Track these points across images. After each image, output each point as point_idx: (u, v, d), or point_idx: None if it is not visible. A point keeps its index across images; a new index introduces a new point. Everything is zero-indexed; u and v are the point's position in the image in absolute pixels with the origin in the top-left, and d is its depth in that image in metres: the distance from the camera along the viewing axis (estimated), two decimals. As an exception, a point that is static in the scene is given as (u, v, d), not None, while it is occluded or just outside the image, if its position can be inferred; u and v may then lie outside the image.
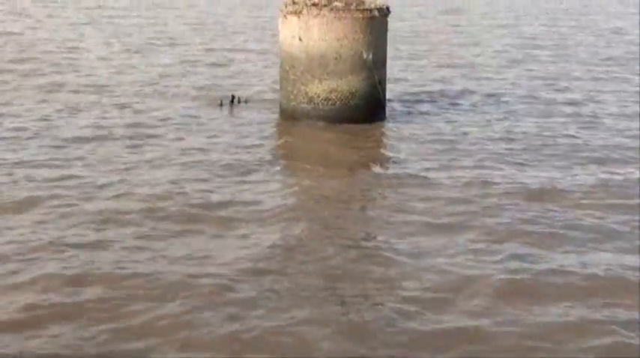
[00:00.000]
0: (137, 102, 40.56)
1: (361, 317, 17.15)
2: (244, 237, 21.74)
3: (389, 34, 39.20)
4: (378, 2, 38.86)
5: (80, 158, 29.20)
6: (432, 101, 43.41)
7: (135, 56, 55.92)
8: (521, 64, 58.47)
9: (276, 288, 18.55)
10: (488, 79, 50.81)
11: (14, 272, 17.95)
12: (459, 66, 56.18)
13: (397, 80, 48.88)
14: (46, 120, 35.42)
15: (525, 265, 20.10)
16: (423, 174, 28.88)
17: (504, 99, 43.83)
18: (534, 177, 28.48)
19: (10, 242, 20.24)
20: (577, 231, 22.52)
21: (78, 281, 17.73)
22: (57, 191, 25.04)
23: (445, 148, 33.14)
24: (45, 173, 27.16)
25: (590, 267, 19.88)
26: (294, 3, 38.16)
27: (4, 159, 27.99)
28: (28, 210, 22.88)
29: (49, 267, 19.23)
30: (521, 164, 30.65)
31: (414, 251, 20.74)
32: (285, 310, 17.40)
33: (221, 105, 41.29)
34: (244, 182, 27.52)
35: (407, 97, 44.45)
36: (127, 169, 28.17)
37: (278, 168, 29.97)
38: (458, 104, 42.61)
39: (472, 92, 46.06)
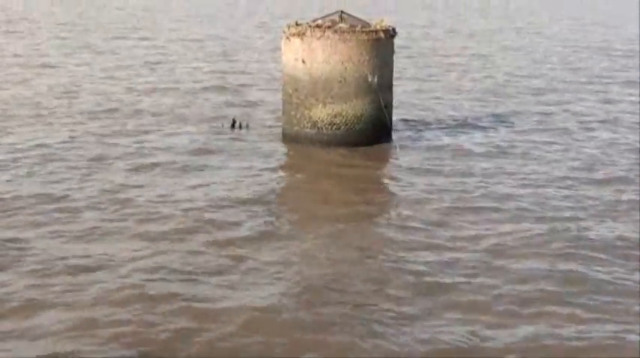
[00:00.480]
0: (132, 129, 39.99)
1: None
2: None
3: (395, 55, 39.03)
4: (383, 23, 38.72)
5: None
6: (440, 126, 42.81)
7: (131, 76, 55.92)
8: (534, 88, 58.97)
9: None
10: (499, 103, 50.45)
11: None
12: (469, 89, 56.11)
13: (404, 103, 48.65)
14: (44, 146, 35.51)
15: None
16: (427, 238, 25.72)
17: (521, 127, 43.22)
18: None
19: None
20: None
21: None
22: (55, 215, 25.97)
23: (449, 187, 31.40)
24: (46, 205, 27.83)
25: None
26: (297, 24, 38.04)
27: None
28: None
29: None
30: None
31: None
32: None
33: (222, 126, 40.77)
34: (236, 242, 24.61)
35: (414, 121, 43.83)
36: (122, 207, 27.77)
37: (274, 222, 26.94)
38: (464, 129, 42.07)
39: (480, 117, 45.64)
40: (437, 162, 35.32)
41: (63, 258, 22.72)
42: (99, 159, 34.37)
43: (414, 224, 26.66)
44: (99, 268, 22.17)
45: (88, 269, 22.02)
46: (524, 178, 32.84)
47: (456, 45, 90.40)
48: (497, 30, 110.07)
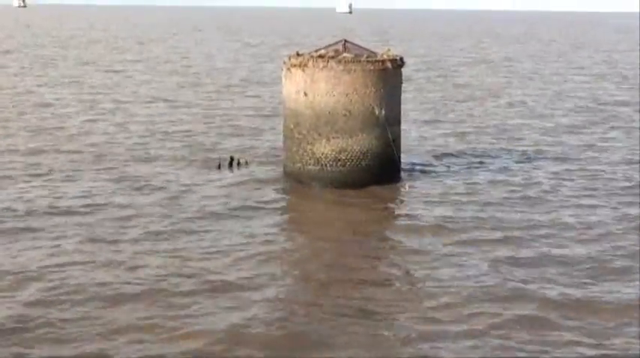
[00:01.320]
0: (126, 165, 39.80)
1: None
2: None
3: (403, 86, 37.74)
4: (390, 53, 37.84)
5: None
6: (452, 161, 42.12)
7: (126, 114, 55.66)
8: (545, 117, 58.51)
9: None
10: (514, 138, 49.78)
11: None
12: (481, 122, 55.74)
13: (413, 136, 48.05)
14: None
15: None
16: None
17: (539, 163, 42.50)
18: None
19: None
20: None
21: None
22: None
23: (463, 228, 30.25)
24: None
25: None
26: (298, 55, 37.14)
27: None
28: None
29: None
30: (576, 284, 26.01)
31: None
32: None
33: (219, 167, 39.97)
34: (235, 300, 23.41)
35: (425, 156, 43.06)
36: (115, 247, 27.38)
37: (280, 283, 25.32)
38: (480, 165, 41.34)
39: (496, 151, 45.03)
40: (453, 211, 33.26)
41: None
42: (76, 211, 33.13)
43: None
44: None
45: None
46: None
47: (464, 75, 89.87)
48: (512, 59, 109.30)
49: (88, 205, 32.77)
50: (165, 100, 65.33)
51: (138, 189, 35.79)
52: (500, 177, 39.39)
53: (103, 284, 23.98)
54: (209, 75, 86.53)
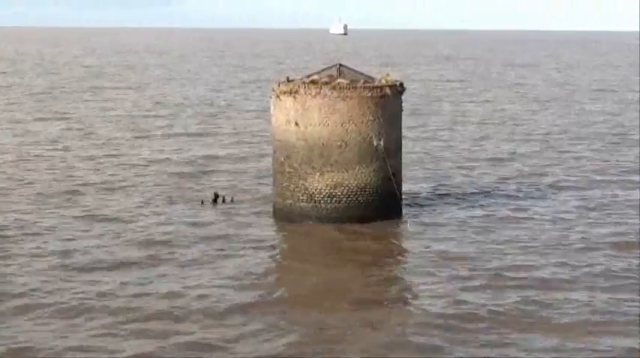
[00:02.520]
0: (104, 201, 39.61)
1: None
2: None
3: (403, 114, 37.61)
4: (389, 78, 37.36)
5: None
6: (458, 195, 41.76)
7: (105, 148, 55.30)
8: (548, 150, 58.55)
9: None
10: (522, 174, 49.18)
11: None
12: (486, 152, 55.83)
13: (416, 169, 47.76)
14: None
15: None
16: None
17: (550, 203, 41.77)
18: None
19: None
20: None
21: None
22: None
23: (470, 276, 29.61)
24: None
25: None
26: (288, 81, 36.80)
27: None
28: None
29: None
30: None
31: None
32: None
33: (202, 204, 39.51)
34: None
35: (428, 190, 42.71)
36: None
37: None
38: (489, 201, 41.03)
39: (503, 184, 44.85)
40: (459, 249, 32.91)
41: None
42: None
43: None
44: None
45: None
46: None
47: (467, 104, 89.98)
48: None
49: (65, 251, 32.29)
50: (140, 130, 65.54)
51: (117, 233, 35.06)
52: (505, 211, 39.32)
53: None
54: (190, 103, 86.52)
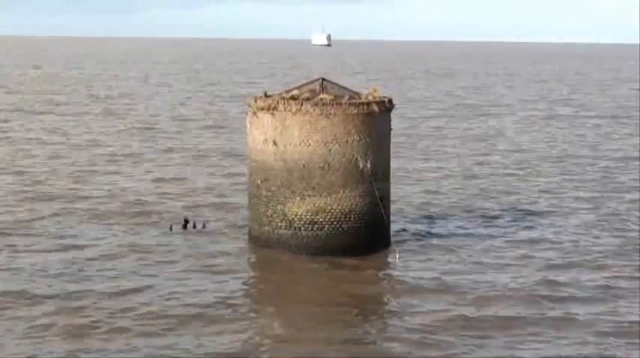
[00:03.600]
0: (71, 230, 39.32)
1: None
2: None
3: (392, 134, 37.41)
4: (377, 94, 37.07)
5: None
6: (451, 223, 41.78)
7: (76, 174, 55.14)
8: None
9: None
10: (510, 194, 49.90)
11: None
12: (480, 175, 56.31)
13: (405, 194, 47.82)
14: None
15: None
16: None
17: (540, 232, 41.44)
18: None
19: None
20: None
21: None
22: None
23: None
24: None
25: None
26: (266, 96, 36.56)
27: None
28: None
29: None
30: None
31: None
32: None
33: (171, 230, 39.35)
34: None
35: (417, 216, 42.79)
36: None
37: None
38: (479, 227, 41.04)
39: (499, 211, 44.76)
40: (450, 282, 32.68)
41: None
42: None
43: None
44: None
45: None
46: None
47: (459, 125, 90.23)
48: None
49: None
50: (112, 153, 65.49)
51: (79, 269, 34.22)
52: (502, 240, 39.18)
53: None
54: (159, 121, 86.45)
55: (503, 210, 45.51)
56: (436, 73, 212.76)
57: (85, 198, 46.93)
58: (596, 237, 40.20)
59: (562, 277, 33.44)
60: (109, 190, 49.13)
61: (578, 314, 29.46)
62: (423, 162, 61.99)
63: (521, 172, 58.25)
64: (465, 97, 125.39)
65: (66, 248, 36.62)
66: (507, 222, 42.95)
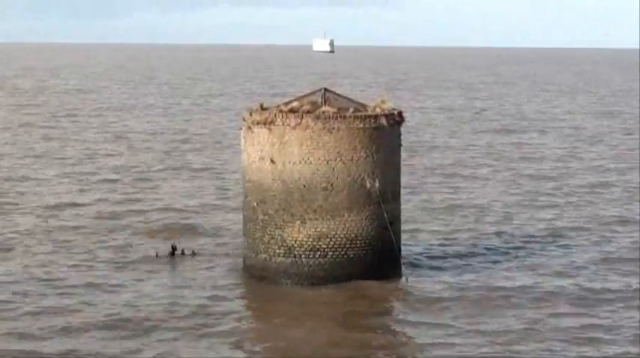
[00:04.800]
0: (48, 260, 39.23)
1: None
2: None
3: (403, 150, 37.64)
4: (385, 106, 36.83)
5: None
6: (466, 250, 41.82)
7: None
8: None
9: None
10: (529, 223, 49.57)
11: None
12: (495, 198, 56.40)
13: (417, 218, 48.04)
14: None
15: None
16: None
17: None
18: None
19: None
20: None
21: None
22: None
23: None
24: None
25: None
26: (262, 109, 36.50)
27: None
28: None
29: None
30: None
31: None
32: None
33: (157, 257, 39.41)
34: None
35: (433, 244, 42.76)
36: None
37: None
38: (502, 259, 40.94)
39: (514, 239, 44.87)
40: (463, 318, 32.33)
41: None
42: None
43: None
44: None
45: None
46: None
47: (470, 139, 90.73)
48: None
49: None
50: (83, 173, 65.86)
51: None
52: (535, 273, 38.75)
53: None
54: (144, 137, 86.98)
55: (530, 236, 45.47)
56: (478, 82, 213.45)
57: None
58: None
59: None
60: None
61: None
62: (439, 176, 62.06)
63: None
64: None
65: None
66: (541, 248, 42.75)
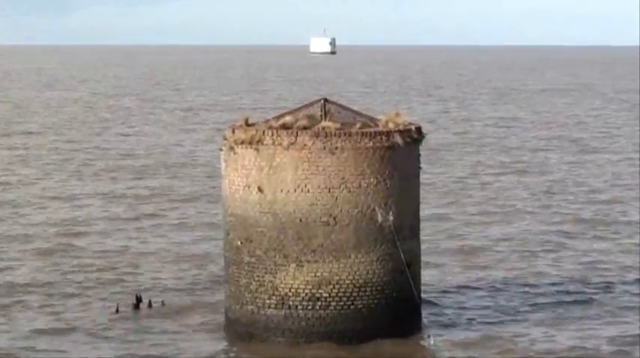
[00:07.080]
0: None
1: None
2: None
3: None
4: (400, 119, 35.88)
5: None
6: (493, 299, 41.67)
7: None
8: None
9: None
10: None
11: None
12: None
13: (441, 260, 48.46)
14: None
15: None
16: None
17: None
18: None
19: None
20: None
21: None
22: None
23: None
24: None
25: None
26: (247, 125, 35.75)
27: None
28: None
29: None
30: None
31: None
32: None
33: (117, 312, 38.97)
34: None
35: (458, 292, 42.60)
36: None
37: None
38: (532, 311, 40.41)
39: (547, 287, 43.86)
40: None
41: None
42: None
43: None
44: None
45: None
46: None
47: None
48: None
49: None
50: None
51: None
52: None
53: None
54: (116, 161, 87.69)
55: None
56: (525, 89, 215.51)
57: None
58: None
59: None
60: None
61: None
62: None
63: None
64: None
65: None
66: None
